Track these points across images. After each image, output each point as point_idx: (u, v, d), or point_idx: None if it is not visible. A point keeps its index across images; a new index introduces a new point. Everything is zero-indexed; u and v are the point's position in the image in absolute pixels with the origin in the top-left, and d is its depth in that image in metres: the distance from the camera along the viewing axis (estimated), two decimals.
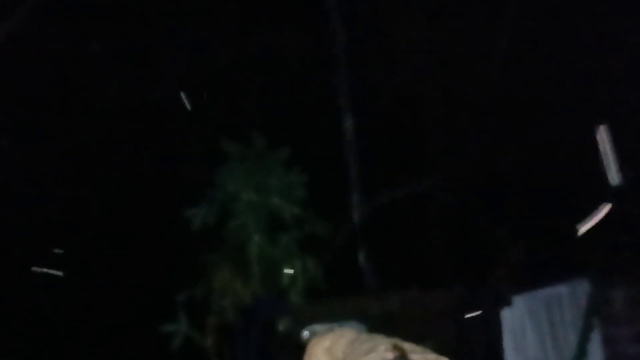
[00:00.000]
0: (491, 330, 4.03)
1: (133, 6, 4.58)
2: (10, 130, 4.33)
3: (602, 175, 4.75)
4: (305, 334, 2.30)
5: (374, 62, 4.60)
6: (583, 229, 4.49)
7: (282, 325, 2.52)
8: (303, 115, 4.44)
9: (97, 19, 4.46)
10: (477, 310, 3.96)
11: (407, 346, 1.37)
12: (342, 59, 4.11)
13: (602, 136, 4.26)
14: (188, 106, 4.35)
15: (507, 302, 4.09)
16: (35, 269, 4.19)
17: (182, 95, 4.46)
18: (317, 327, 2.27)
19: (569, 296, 4.31)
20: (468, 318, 3.97)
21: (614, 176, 4.15)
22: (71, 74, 4.67)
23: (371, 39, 4.44)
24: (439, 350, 1.31)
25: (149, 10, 4.44)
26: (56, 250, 4.25)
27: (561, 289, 4.25)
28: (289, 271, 4.11)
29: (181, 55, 4.68)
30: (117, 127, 4.57)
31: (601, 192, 4.80)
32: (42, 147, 4.57)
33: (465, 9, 4.93)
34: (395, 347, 1.37)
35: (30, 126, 4.57)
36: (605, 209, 4.44)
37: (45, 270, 4.22)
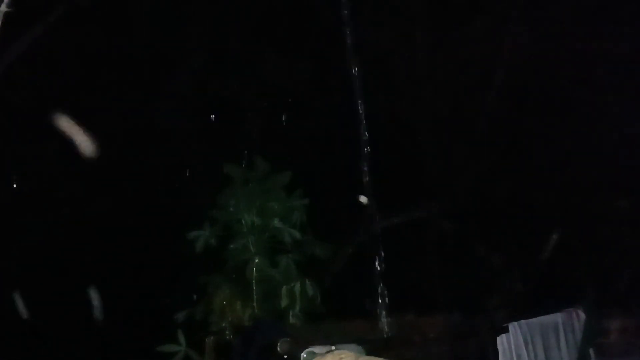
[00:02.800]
0: (487, 357, 4.06)
1: (142, 31, 4.70)
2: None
3: (598, 202, 4.84)
4: (304, 356, 2.34)
5: (375, 90, 4.71)
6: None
7: (281, 347, 2.55)
8: (305, 140, 4.54)
9: (107, 43, 4.57)
10: (473, 337, 3.99)
11: None
12: (347, 86, 4.22)
13: None
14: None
15: (503, 329, 4.13)
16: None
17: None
18: (316, 349, 2.31)
19: (565, 324, 4.36)
20: (464, 344, 4.00)
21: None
22: (76, 92, 4.74)
23: (371, 68, 4.55)
24: None
25: (156, 33, 4.56)
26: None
27: (557, 317, 4.30)
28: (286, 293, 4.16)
29: (187, 79, 4.79)
30: (120, 148, 4.64)
31: (598, 220, 4.88)
32: (41, 167, 4.63)
33: (464, 40, 5.07)
34: None
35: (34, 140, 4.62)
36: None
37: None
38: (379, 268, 4.48)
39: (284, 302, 4.17)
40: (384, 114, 4.84)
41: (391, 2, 5.00)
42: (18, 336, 4.03)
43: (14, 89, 4.42)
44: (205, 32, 4.69)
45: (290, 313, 4.18)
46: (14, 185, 4.43)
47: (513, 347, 4.18)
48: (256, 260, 4.22)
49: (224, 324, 3.97)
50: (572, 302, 4.58)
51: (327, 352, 2.06)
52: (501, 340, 4.14)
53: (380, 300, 4.41)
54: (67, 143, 4.63)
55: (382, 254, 4.57)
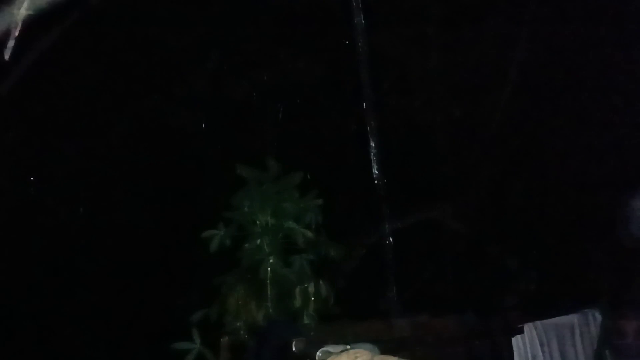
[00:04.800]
0: (502, 358, 4.05)
1: (154, 34, 4.74)
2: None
3: (614, 203, 4.80)
4: (319, 355, 2.34)
5: (389, 90, 4.72)
6: None
7: (296, 346, 2.55)
8: (319, 141, 4.55)
9: (122, 44, 4.60)
10: (487, 337, 3.98)
11: None
12: (360, 87, 4.24)
13: None
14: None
15: (518, 330, 4.12)
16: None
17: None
18: (331, 348, 2.32)
19: (581, 325, 4.33)
20: (479, 344, 3.99)
21: None
22: (91, 95, 4.77)
23: (386, 69, 4.56)
24: None
25: (169, 35, 4.59)
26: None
27: (573, 318, 4.27)
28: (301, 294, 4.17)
29: (200, 80, 4.81)
30: (134, 149, 4.68)
31: (613, 221, 4.84)
32: (61, 168, 4.67)
33: (477, 40, 5.06)
34: None
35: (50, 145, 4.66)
36: None
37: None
38: (392, 269, 4.49)
39: (297, 303, 4.17)
40: (397, 114, 4.85)
41: (405, 3, 5.01)
42: (33, 334, 4.08)
43: (32, 92, 4.46)
44: (219, 32, 4.72)
45: (304, 313, 4.19)
46: (29, 186, 4.46)
47: (528, 347, 4.16)
48: (270, 261, 4.23)
49: (238, 324, 3.99)
50: (588, 303, 4.55)
51: (342, 351, 2.07)
52: (516, 341, 4.12)
53: (394, 301, 4.41)
54: (82, 144, 4.67)
55: (396, 254, 4.58)
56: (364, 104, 4.53)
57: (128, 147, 4.66)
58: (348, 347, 2.15)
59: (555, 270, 5.07)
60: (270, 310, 4.14)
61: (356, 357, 1.62)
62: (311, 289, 4.19)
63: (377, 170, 4.30)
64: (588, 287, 4.83)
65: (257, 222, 4.26)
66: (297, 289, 4.19)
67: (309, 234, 4.22)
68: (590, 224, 5.06)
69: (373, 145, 4.21)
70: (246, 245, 4.20)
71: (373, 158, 4.47)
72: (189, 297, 4.09)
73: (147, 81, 4.80)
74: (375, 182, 4.31)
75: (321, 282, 4.22)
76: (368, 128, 4.18)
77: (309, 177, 4.29)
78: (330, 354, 2.20)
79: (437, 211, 5.10)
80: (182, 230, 4.25)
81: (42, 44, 4.00)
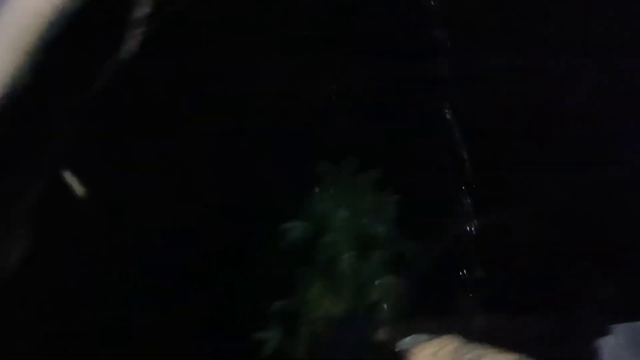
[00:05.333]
0: None
1: (227, 36, 4.88)
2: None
3: None
4: (408, 340, 2.36)
5: (473, 84, 4.68)
6: None
7: (381, 335, 2.58)
8: (397, 140, 4.58)
9: (195, 48, 4.75)
10: (571, 339, 3.88)
11: (517, 357, 1.42)
12: (444, 80, 4.23)
13: None
14: None
15: (604, 332, 3.98)
16: None
17: None
18: (419, 337, 2.33)
19: None
20: (562, 346, 3.89)
21: None
22: (171, 96, 4.95)
23: (470, 60, 4.52)
24: None
25: (244, 40, 4.73)
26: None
27: None
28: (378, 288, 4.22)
29: (278, 83, 4.93)
30: (217, 147, 4.83)
31: None
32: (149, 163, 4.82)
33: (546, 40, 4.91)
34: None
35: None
36: None
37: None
38: (471, 266, 4.45)
39: (374, 298, 4.22)
40: (475, 111, 4.80)
41: None
42: (124, 328, 4.25)
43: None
44: (293, 34, 4.83)
45: (380, 309, 4.22)
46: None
47: (613, 351, 4.01)
48: (347, 256, 4.30)
49: (317, 316, 4.07)
50: None
51: (433, 338, 2.08)
52: (601, 344, 3.98)
53: (471, 299, 4.37)
54: (160, 145, 4.85)
55: (476, 252, 4.53)
56: (442, 102, 4.52)
57: (210, 144, 4.83)
58: (438, 336, 2.16)
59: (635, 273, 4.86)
60: (347, 305, 4.21)
61: (449, 343, 1.63)
62: (387, 284, 4.23)
63: (458, 165, 4.29)
64: None
65: (334, 218, 4.35)
66: (374, 284, 4.24)
67: (387, 230, 4.27)
68: None
69: (456, 137, 4.20)
70: (323, 239, 4.29)
71: (451, 155, 4.45)
72: (268, 289, 4.21)
73: (226, 84, 4.94)
74: (457, 177, 4.29)
75: (398, 278, 4.25)
76: (449, 118, 4.17)
77: (386, 173, 4.34)
78: (419, 340, 2.22)
79: (520, 210, 5.00)
80: (261, 223, 4.38)
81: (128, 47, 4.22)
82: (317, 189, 4.49)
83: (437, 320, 4.08)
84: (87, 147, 4.35)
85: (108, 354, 4.01)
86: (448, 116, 4.57)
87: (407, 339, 2.37)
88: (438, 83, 4.49)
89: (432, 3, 4.39)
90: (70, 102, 4.17)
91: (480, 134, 5.01)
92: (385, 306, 4.20)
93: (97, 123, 4.36)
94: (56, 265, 4.16)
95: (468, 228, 4.72)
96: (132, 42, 4.45)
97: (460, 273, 4.43)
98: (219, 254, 4.52)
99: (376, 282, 4.32)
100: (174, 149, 4.84)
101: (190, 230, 4.64)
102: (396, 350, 2.49)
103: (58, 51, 3.45)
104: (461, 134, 4.63)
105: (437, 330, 3.59)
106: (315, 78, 4.86)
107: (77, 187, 3.97)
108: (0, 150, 3.43)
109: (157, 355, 4.29)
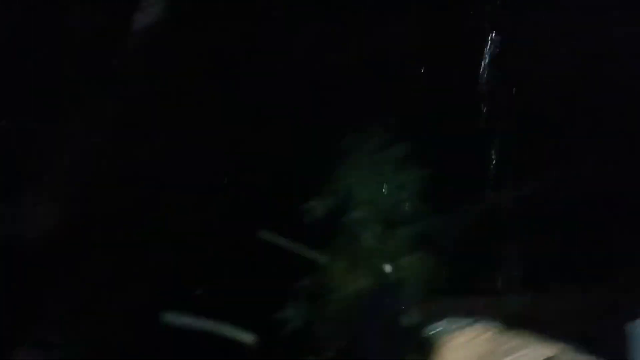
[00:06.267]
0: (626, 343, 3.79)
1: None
2: None
3: None
4: (443, 324, 2.25)
5: (497, 57, 4.49)
6: None
7: (407, 319, 2.48)
8: (423, 110, 4.42)
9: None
10: (610, 317, 3.74)
11: (558, 348, 1.34)
12: (466, 54, 4.04)
13: None
14: None
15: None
16: None
17: None
18: (452, 321, 2.21)
19: None
20: (600, 324, 3.76)
21: None
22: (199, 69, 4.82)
23: (498, 31, 4.32)
24: None
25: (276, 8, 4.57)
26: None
27: None
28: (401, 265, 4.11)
29: (301, 48, 4.75)
30: (238, 123, 4.71)
31: None
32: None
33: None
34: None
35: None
36: None
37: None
38: (499, 243, 4.32)
39: (399, 276, 4.12)
40: (505, 82, 4.61)
41: None
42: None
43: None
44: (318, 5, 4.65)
45: (407, 286, 4.13)
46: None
47: None
48: (372, 232, 4.19)
49: (342, 294, 4.00)
50: None
51: (467, 325, 1.98)
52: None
53: (500, 276, 4.25)
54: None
55: (502, 228, 4.39)
56: (471, 71, 4.33)
57: (232, 117, 4.71)
58: (473, 322, 2.06)
59: None
60: (372, 282, 4.12)
61: (485, 331, 1.53)
62: (414, 261, 4.13)
63: (486, 140, 4.13)
64: None
65: (360, 193, 4.23)
66: (399, 262, 4.14)
67: (413, 205, 4.14)
68: None
69: (484, 112, 4.04)
70: (349, 216, 4.18)
71: (480, 126, 4.29)
72: (294, 266, 4.13)
73: (245, 49, 4.79)
74: (484, 152, 4.13)
75: (424, 255, 4.14)
76: (478, 95, 4.00)
77: (413, 147, 4.19)
78: (454, 325, 2.12)
79: (548, 182, 4.83)
80: (286, 200, 4.27)
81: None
82: (342, 163, 4.36)
83: (469, 300, 3.96)
84: None
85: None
86: (481, 86, 4.39)
87: (439, 323, 2.24)
88: (473, 47, 4.27)
89: None
90: None
91: (513, 102, 4.82)
92: (413, 284, 4.11)
93: None
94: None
95: (497, 201, 4.57)
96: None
97: (489, 249, 4.31)
98: (245, 233, 4.45)
99: (402, 260, 4.22)
100: (203, 120, 4.73)
101: (219, 211, 4.57)
102: (427, 335, 2.37)
103: None
104: (492, 106, 4.45)
105: (470, 311, 3.48)
106: (342, 44, 4.69)
107: None
108: None
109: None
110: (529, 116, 4.93)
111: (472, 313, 3.48)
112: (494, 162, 4.31)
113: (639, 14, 4.49)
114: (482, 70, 4.14)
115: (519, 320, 3.78)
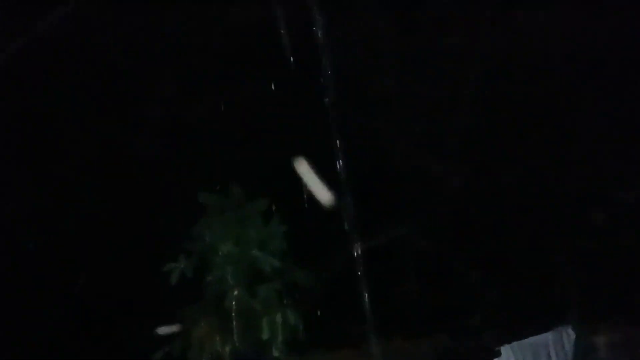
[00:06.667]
0: None
1: (117, 59, 4.57)
2: None
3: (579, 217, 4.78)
4: None
5: (352, 111, 4.62)
6: None
7: None
8: (280, 167, 4.41)
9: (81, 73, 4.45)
10: (469, 355, 3.87)
11: None
12: (320, 110, 4.12)
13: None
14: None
15: (496, 353, 4.02)
16: None
17: None
18: None
19: (556, 343, 4.27)
20: None
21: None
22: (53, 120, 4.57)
23: (348, 89, 4.47)
24: None
25: (130, 61, 4.43)
26: None
27: (547, 337, 4.21)
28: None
29: (157, 107, 4.64)
30: (93, 177, 4.47)
31: (581, 234, 4.81)
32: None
33: (436, 59, 5.01)
34: None
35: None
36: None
37: None
38: (361, 293, 4.34)
39: (265, 334, 4.00)
40: (357, 135, 4.74)
41: (362, 23, 4.93)
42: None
43: None
44: (175, 61, 4.58)
45: (273, 345, 4.01)
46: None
47: None
48: (235, 292, 4.06)
49: (203, 359, 3.79)
50: (559, 321, 4.50)
51: None
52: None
53: (364, 326, 4.27)
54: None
55: (364, 278, 4.43)
56: (329, 126, 4.42)
57: (86, 174, 4.45)
58: None
59: (522, 287, 4.99)
60: (237, 343, 3.96)
61: None
62: (279, 319, 4.03)
63: (342, 192, 4.18)
64: (557, 303, 4.78)
65: (220, 251, 4.10)
66: (264, 320, 4.02)
67: (276, 261, 4.07)
68: (557, 237, 5.02)
69: (338, 166, 4.10)
70: (209, 276, 4.02)
71: (338, 180, 4.35)
72: (152, 333, 3.87)
73: (106, 108, 4.61)
74: (341, 205, 4.18)
75: (289, 311, 4.06)
76: (332, 150, 4.07)
77: (272, 203, 4.15)
78: None
79: (402, 230, 4.98)
80: (142, 263, 4.04)
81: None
82: (201, 221, 4.21)
83: (331, 353, 3.93)
84: None
85: None
86: (334, 137, 4.47)
87: None
88: (322, 109, 4.38)
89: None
90: None
91: (366, 152, 4.97)
92: (277, 343, 3.99)
93: None
94: None
95: (355, 252, 4.64)
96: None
97: (352, 300, 4.32)
98: (103, 299, 4.12)
99: (267, 318, 4.09)
100: (50, 182, 4.41)
101: (64, 273, 4.22)
102: None
103: None
104: (349, 157, 4.55)
105: None
106: (198, 103, 4.61)
107: None
108: None
109: None
110: (381, 171, 5.11)
111: None
112: (349, 216, 4.36)
113: None
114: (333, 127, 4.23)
115: None
